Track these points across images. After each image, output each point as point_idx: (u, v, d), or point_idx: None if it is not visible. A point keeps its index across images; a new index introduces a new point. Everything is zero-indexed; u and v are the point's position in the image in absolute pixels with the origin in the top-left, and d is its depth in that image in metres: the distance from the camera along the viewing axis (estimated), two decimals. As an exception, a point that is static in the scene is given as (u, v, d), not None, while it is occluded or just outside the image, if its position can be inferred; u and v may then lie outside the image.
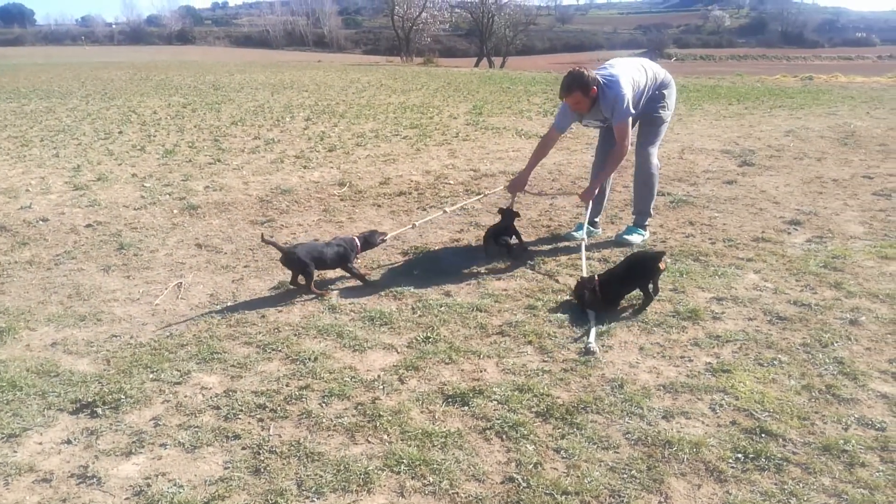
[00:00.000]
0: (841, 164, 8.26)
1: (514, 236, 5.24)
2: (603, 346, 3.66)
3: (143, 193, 7.02)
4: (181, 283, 4.67)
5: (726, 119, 12.45)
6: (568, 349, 3.63)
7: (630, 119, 4.98)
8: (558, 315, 4.05)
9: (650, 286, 4.10)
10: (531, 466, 2.65)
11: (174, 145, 9.94)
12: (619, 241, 5.43)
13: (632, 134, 5.15)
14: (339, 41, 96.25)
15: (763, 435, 2.83)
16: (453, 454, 2.73)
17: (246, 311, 4.17)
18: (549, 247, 5.43)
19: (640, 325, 3.89)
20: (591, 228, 5.59)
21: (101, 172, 8.01)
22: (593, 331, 3.80)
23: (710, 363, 3.45)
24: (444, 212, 5.92)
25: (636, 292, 4.17)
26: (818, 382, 3.23)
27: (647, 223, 5.58)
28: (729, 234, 5.53)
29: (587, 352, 3.60)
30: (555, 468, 2.65)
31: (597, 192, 5.32)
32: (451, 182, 7.52)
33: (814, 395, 3.14)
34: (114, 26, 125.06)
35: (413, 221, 5.71)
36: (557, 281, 4.63)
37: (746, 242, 5.31)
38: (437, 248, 5.34)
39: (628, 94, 4.88)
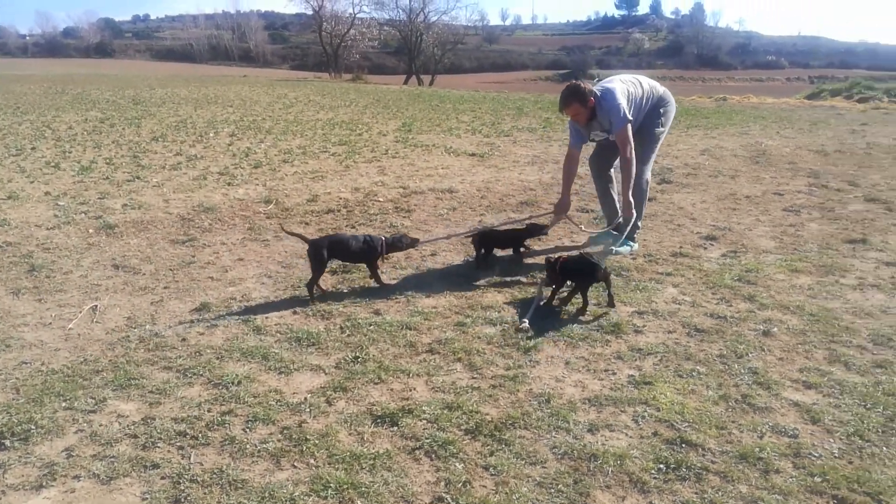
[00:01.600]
0: (753, 181, 8.67)
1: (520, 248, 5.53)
2: (530, 361, 3.70)
3: (56, 212, 6.71)
4: (96, 305, 4.47)
5: (646, 138, 12.85)
6: (497, 365, 3.66)
7: (629, 126, 5.12)
8: (487, 331, 4.08)
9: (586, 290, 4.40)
10: (460, 485, 2.65)
11: (91, 162, 9.55)
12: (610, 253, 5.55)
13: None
14: (266, 56, 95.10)
15: (683, 445, 2.91)
16: (382, 476, 2.71)
17: (165, 335, 4.03)
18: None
19: (566, 340, 3.96)
20: (615, 233, 5.61)
21: (11, 190, 7.62)
22: (531, 312, 4.01)
23: (632, 376, 3.54)
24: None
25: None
26: (734, 392, 3.36)
27: (635, 235, 5.74)
28: (649, 250, 5.71)
29: (518, 330, 3.83)
30: (483, 486, 2.66)
31: (624, 202, 5.30)
32: (381, 199, 7.50)
33: (730, 404, 3.26)
34: (28, 38, 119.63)
35: (449, 233, 5.87)
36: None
37: (666, 257, 5.50)
38: (365, 266, 5.30)
39: (623, 103, 5.09)
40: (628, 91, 5.27)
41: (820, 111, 18.52)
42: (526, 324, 3.90)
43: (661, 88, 5.59)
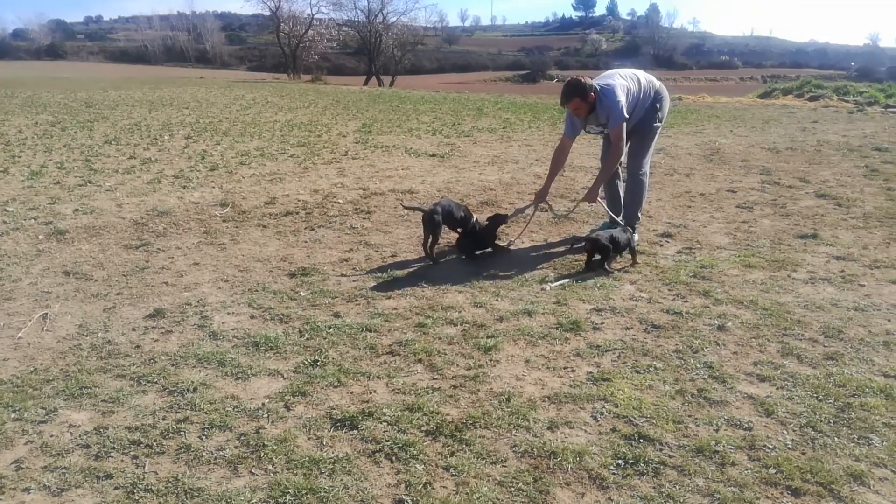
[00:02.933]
0: (707, 179, 8.84)
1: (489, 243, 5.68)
2: (490, 360, 3.71)
3: (4, 218, 6.51)
4: (47, 313, 4.35)
5: (605, 137, 13.00)
6: (457, 365, 3.66)
7: (624, 124, 5.37)
8: (448, 332, 4.08)
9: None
10: (420, 487, 2.63)
11: (41, 166, 9.28)
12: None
13: (626, 141, 5.63)
14: (223, 57, 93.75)
15: (641, 440, 2.95)
16: (341, 480, 2.68)
17: (119, 342, 3.93)
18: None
19: (526, 339, 3.97)
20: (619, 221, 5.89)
21: (-46, 196, 7.37)
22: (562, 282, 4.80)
23: (591, 372, 3.57)
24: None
25: None
26: (690, 387, 3.41)
27: (636, 226, 5.95)
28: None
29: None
30: (444, 486, 2.65)
31: (602, 191, 5.84)
32: (340, 201, 7.44)
33: (687, 399, 3.31)
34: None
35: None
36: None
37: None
38: (325, 268, 5.26)
39: (622, 100, 5.30)
40: (627, 88, 5.45)
41: (772, 110, 18.98)
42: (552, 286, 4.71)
43: (657, 83, 5.77)
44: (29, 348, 3.87)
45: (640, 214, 6.04)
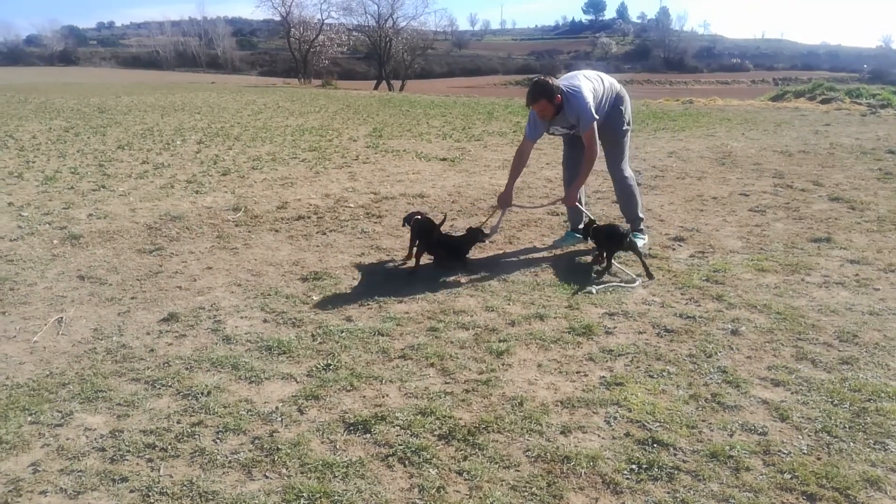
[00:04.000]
0: (720, 182, 8.80)
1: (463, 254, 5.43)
2: (503, 365, 3.71)
3: (20, 223, 6.58)
4: (62, 317, 4.38)
5: (615, 141, 12.97)
6: (470, 370, 3.66)
7: (596, 125, 5.32)
8: (460, 336, 4.08)
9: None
10: (434, 491, 2.64)
11: (55, 171, 9.38)
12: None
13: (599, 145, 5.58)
14: (234, 62, 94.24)
15: (655, 445, 2.94)
16: (355, 484, 2.68)
17: (133, 346, 3.96)
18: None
19: (538, 343, 3.97)
20: (578, 236, 5.99)
21: (-29, 201, 7.45)
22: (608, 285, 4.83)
23: (604, 377, 3.56)
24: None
25: None
26: (704, 391, 3.40)
27: (642, 227, 5.99)
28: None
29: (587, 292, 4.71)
30: (457, 490, 2.65)
31: (578, 197, 5.77)
32: (352, 205, 7.47)
33: (701, 403, 3.29)
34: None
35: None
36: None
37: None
38: (337, 272, 5.27)
39: (591, 101, 5.25)
40: (594, 88, 5.41)
41: (784, 112, 18.88)
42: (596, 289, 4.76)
43: (618, 85, 5.73)
44: (44, 352, 3.91)
45: (641, 215, 6.01)
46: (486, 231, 5.57)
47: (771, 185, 8.55)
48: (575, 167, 5.75)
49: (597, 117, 5.31)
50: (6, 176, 9.05)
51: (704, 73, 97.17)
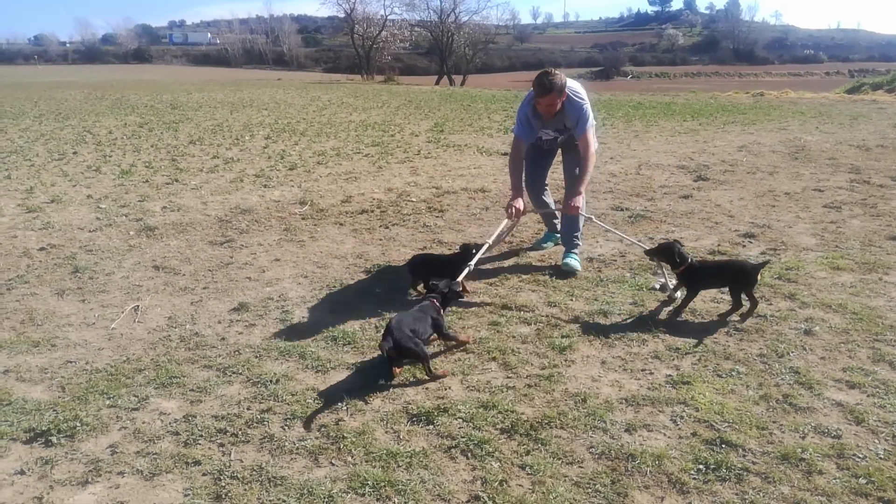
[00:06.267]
0: (792, 177, 8.50)
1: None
2: (565, 360, 3.68)
3: (98, 215, 6.88)
4: (138, 306, 4.57)
5: (681, 135, 12.73)
6: (532, 364, 3.65)
7: (593, 128, 5.02)
8: (522, 330, 4.07)
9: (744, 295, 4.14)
10: (496, 484, 2.64)
11: (130, 165, 9.77)
12: (565, 269, 5.14)
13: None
14: (299, 59, 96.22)
15: (723, 445, 2.87)
16: (418, 474, 2.72)
17: (205, 334, 4.10)
18: (511, 263, 5.45)
19: (602, 340, 3.93)
20: (557, 236, 5.70)
21: (54, 194, 7.83)
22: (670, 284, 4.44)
23: (670, 375, 3.50)
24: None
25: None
26: (775, 392, 3.30)
27: (578, 244, 5.37)
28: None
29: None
30: (520, 485, 2.65)
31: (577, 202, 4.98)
32: (414, 199, 7.53)
33: (771, 404, 3.20)
34: (68, 45, 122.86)
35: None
36: (512, 306, 4.65)
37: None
38: (400, 265, 5.33)
39: (591, 117, 4.98)
40: (587, 95, 5.06)
41: (861, 105, 18.09)
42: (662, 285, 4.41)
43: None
44: (122, 339, 4.08)
45: (579, 239, 5.38)
46: (489, 242, 4.99)
47: (847, 180, 8.21)
48: (540, 177, 5.56)
49: (594, 122, 5.06)
50: (85, 170, 9.47)
51: (776, 65, 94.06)
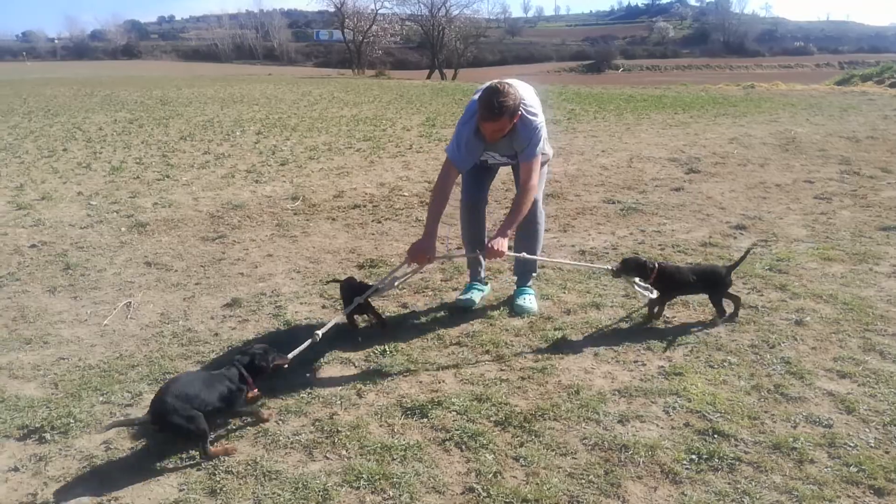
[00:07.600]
0: (783, 169, 8.54)
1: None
2: (558, 353, 3.70)
3: (89, 212, 6.85)
4: (130, 302, 4.56)
5: (672, 128, 12.76)
6: (525, 357, 3.66)
7: (544, 147, 4.10)
8: (515, 323, 4.08)
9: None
10: (491, 476, 2.66)
11: (121, 162, 9.72)
12: (517, 311, 4.28)
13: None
14: (290, 54, 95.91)
15: (715, 435, 2.89)
16: (413, 467, 2.73)
17: (198, 330, 4.09)
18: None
19: (594, 332, 3.94)
20: (483, 287, 4.58)
21: (45, 191, 7.79)
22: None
23: (662, 366, 3.52)
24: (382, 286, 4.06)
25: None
26: (767, 382, 3.32)
27: (535, 275, 4.63)
28: (677, 240, 5.65)
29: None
30: (514, 476, 2.67)
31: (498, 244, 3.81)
32: (406, 194, 7.53)
33: (763, 394, 3.22)
34: (56, 41, 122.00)
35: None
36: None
37: (695, 248, 5.44)
38: (392, 259, 5.33)
39: (544, 130, 4.05)
40: (539, 104, 4.09)
41: (851, 97, 18.18)
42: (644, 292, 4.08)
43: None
44: (114, 335, 4.07)
45: (537, 268, 4.64)
46: (377, 285, 3.98)
47: (837, 171, 8.26)
48: (480, 189, 4.57)
49: (548, 150, 4.26)
50: (75, 166, 9.42)
51: (766, 57, 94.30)
